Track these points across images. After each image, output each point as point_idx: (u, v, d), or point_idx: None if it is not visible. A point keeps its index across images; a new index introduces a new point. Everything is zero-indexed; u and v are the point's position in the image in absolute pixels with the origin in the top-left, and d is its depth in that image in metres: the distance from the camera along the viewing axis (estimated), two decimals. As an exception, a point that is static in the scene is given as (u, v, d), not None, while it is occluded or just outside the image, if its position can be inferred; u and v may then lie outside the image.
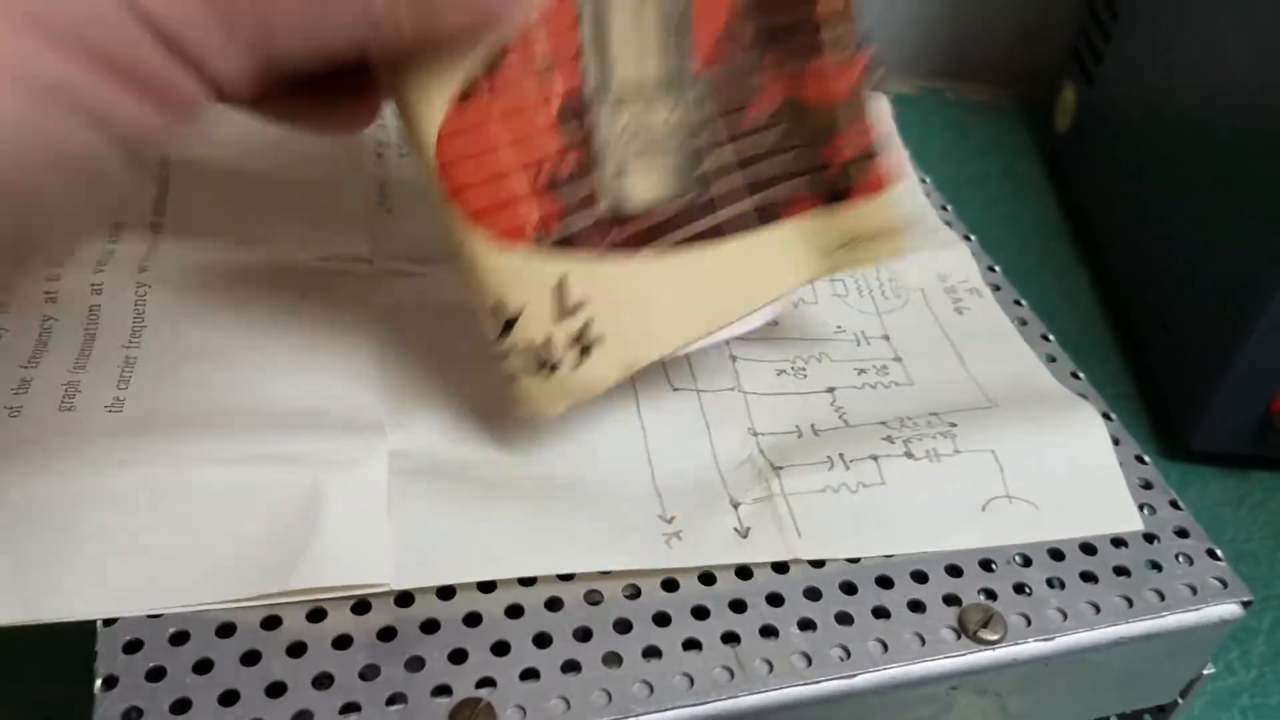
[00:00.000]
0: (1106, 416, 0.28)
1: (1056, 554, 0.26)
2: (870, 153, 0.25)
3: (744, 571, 0.24)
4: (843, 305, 0.31)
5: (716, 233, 0.24)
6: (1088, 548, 0.26)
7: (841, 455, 0.26)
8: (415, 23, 0.19)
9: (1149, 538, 0.26)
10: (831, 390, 0.29)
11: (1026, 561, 0.25)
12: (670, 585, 0.24)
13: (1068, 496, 0.26)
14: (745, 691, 0.22)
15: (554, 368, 0.23)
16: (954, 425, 0.27)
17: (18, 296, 0.27)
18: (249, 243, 0.29)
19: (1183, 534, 0.26)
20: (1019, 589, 0.25)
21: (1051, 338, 0.32)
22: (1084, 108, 0.58)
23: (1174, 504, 0.27)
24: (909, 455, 0.26)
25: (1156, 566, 0.26)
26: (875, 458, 0.26)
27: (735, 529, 0.25)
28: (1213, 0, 0.48)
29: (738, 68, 0.24)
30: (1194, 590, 0.25)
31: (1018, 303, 0.33)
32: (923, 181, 0.37)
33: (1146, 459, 0.28)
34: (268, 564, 0.22)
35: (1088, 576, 0.25)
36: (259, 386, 0.26)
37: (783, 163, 0.25)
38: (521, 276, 0.23)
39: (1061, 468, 0.27)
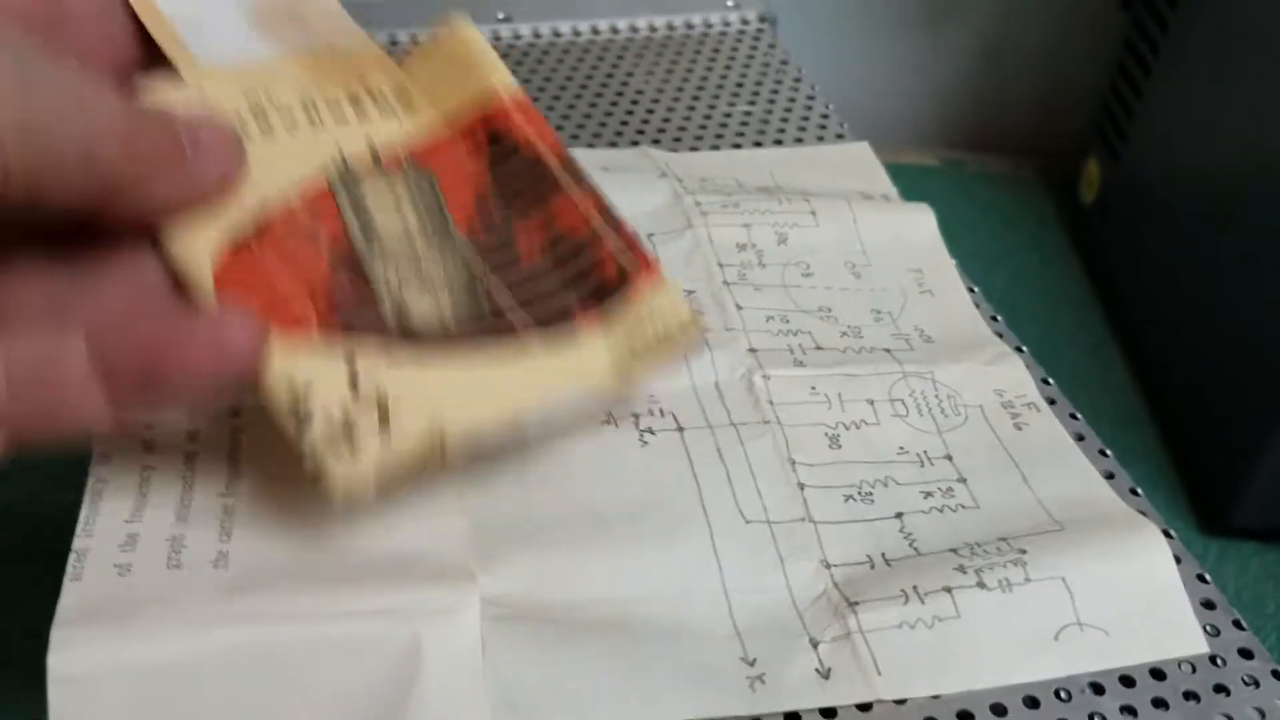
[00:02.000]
0: (1167, 534, 0.29)
1: (1128, 680, 0.26)
2: (631, 243, 0.27)
3: (828, 710, 0.25)
4: (903, 425, 0.32)
5: (507, 331, 0.26)
6: (1157, 673, 0.27)
7: (915, 588, 0.27)
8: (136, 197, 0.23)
9: (1215, 660, 0.27)
10: (900, 516, 0.29)
11: (1099, 689, 0.26)
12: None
13: (1136, 621, 0.27)
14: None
15: (353, 441, 0.23)
16: (1024, 552, 0.28)
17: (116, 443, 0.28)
18: None
19: (1247, 655, 0.27)
20: (1094, 717, 0.26)
21: (1109, 453, 0.32)
22: (1109, 180, 0.59)
23: (1237, 624, 0.28)
24: (981, 585, 0.27)
25: (1224, 690, 0.26)
26: (949, 589, 0.27)
27: (817, 670, 0.26)
28: (1242, 77, 0.49)
29: (497, 235, 0.27)
30: (1262, 714, 0.26)
31: (1074, 416, 0.34)
32: (971, 291, 0.37)
33: (1208, 578, 0.29)
34: None
35: (1159, 703, 0.26)
36: (352, 535, 0.27)
37: (560, 280, 0.27)
38: (309, 355, 0.24)
39: (1129, 592, 0.28)
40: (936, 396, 0.33)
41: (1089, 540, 0.29)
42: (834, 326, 0.35)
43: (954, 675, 0.26)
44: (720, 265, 0.36)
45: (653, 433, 0.30)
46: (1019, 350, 0.35)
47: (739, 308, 0.35)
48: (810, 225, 0.38)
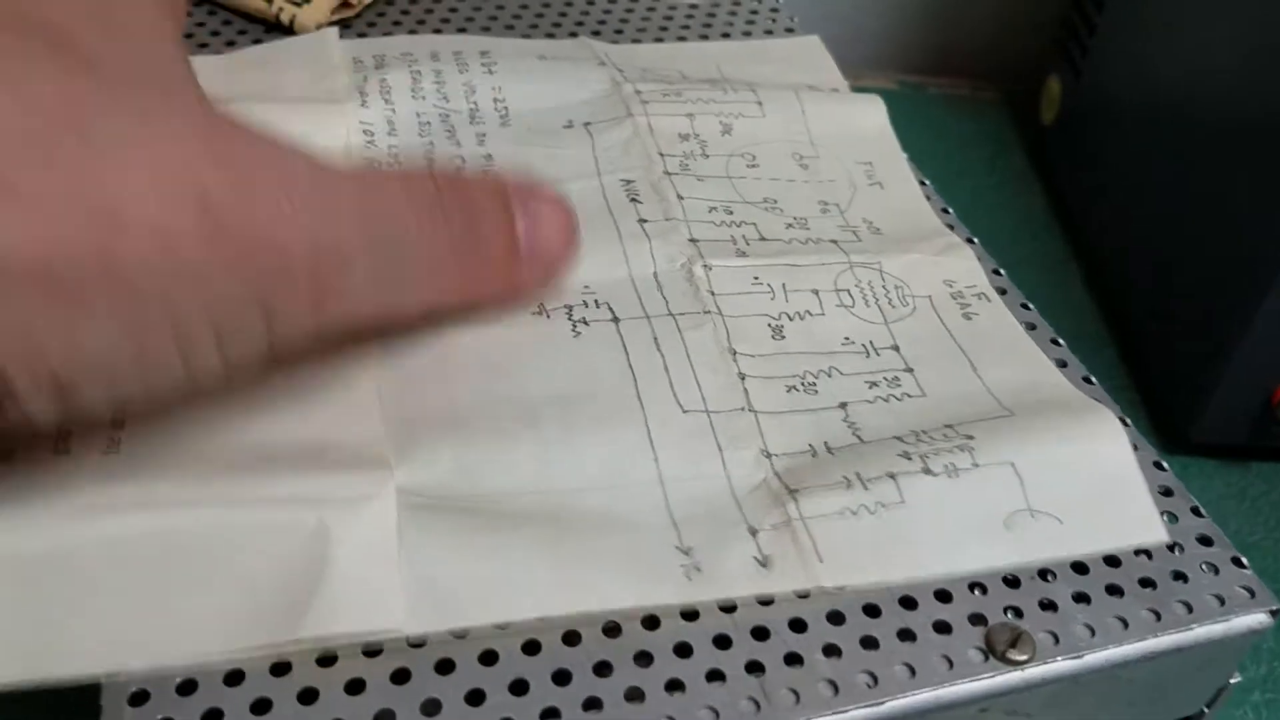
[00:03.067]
0: (1123, 422, 0.28)
1: (1080, 567, 0.25)
2: None
3: (765, 597, 0.24)
4: (849, 315, 0.30)
5: None
6: (1112, 560, 0.25)
7: (859, 474, 0.25)
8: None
9: (1173, 547, 0.26)
10: (844, 405, 0.28)
11: (1050, 576, 0.25)
12: (690, 615, 0.23)
13: (1091, 508, 0.26)
14: (772, 724, 0.22)
15: None
16: (971, 438, 0.26)
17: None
18: None
19: (1206, 542, 0.26)
20: (1045, 605, 0.24)
21: (1062, 342, 0.31)
22: (1070, 100, 0.57)
23: (1196, 510, 0.27)
24: (927, 471, 0.26)
25: (1182, 577, 0.25)
26: (893, 476, 0.25)
27: (755, 558, 0.24)
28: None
29: None
30: (1221, 601, 0.25)
31: (1025, 306, 0.32)
32: (922, 184, 0.36)
33: (1165, 465, 0.28)
34: (276, 611, 0.22)
35: (1114, 590, 0.25)
36: (259, 423, 0.25)
37: None
38: None
39: (1084, 478, 0.26)
40: (884, 286, 0.31)
41: (1040, 425, 0.27)
42: (779, 218, 0.33)
43: (899, 563, 0.24)
44: (661, 155, 0.34)
45: (586, 323, 0.29)
46: (970, 241, 0.34)
47: (680, 198, 0.33)
48: (756, 115, 0.36)
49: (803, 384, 0.28)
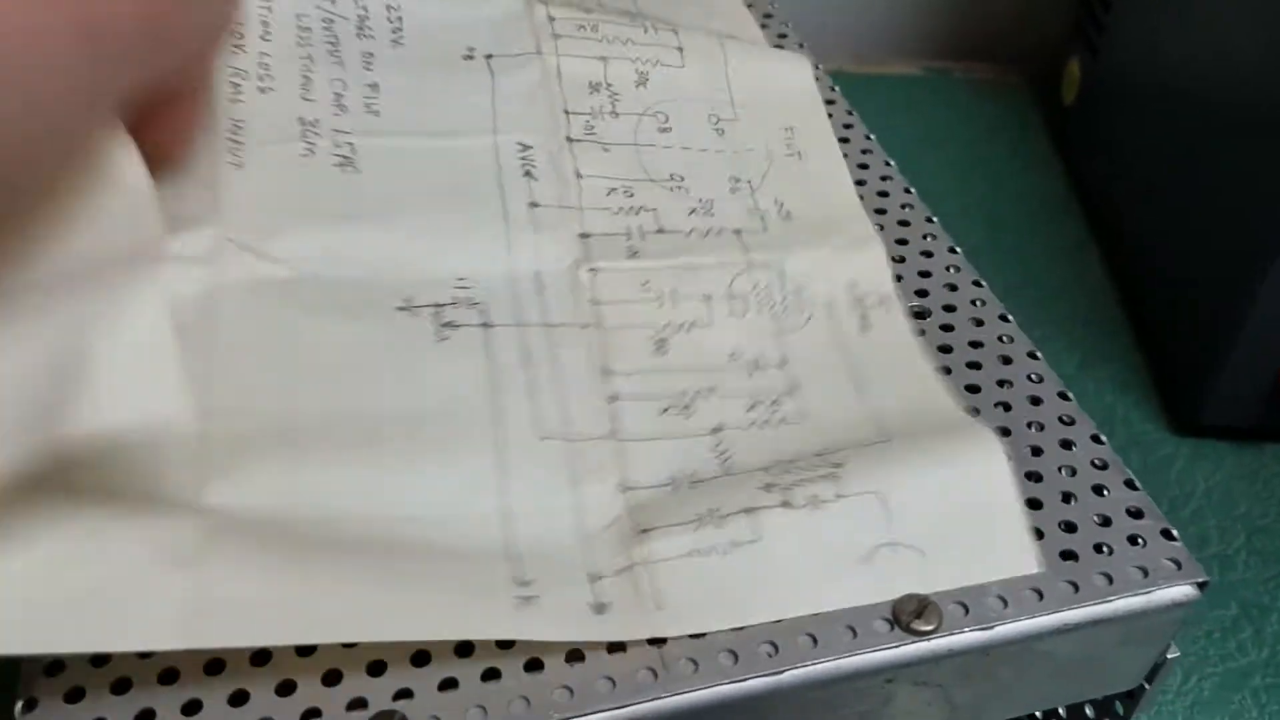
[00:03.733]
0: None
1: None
2: None
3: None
4: (739, 326, 0.29)
5: None
6: (1035, 533, 0.25)
7: (713, 511, 0.24)
8: None
9: (1102, 520, 0.25)
10: (716, 431, 0.26)
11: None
12: (597, 587, 0.24)
13: (959, 539, 0.24)
14: (670, 693, 0.22)
15: None
16: (839, 466, 0.25)
17: None
18: None
19: (1137, 514, 0.26)
20: (959, 577, 0.24)
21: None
22: (1089, 81, 0.56)
23: (1129, 484, 0.26)
24: (786, 505, 0.24)
25: (1106, 549, 0.25)
26: (750, 510, 0.24)
27: (590, 604, 0.23)
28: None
29: None
30: (1145, 573, 0.24)
31: (977, 284, 0.32)
32: (887, 164, 0.36)
33: (1103, 439, 0.27)
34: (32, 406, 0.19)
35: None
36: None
37: None
38: None
39: (954, 507, 0.25)
40: (781, 291, 0.29)
41: (914, 451, 0.26)
42: (683, 200, 0.32)
43: (747, 606, 0.23)
44: (567, 113, 0.33)
45: (454, 326, 0.27)
46: (929, 220, 0.34)
47: (579, 176, 0.31)
48: (675, 65, 0.35)
49: (678, 406, 0.27)
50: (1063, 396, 0.28)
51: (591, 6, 0.36)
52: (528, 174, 0.31)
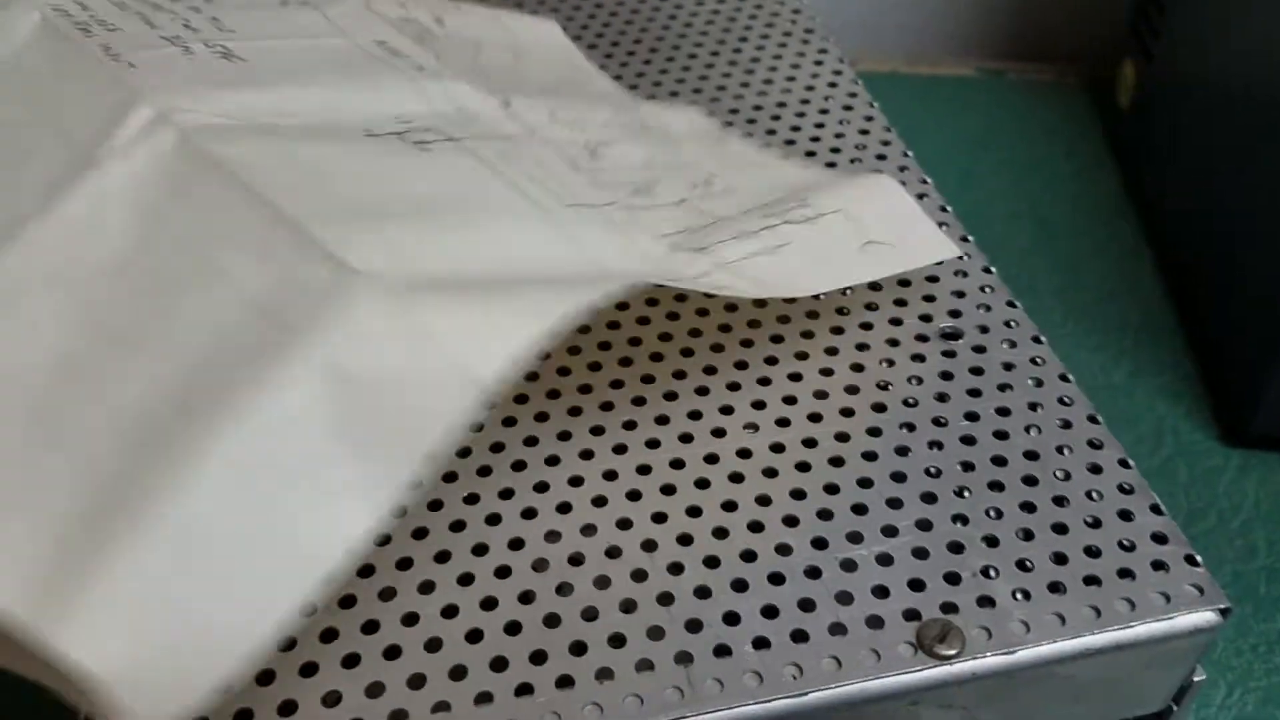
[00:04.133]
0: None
1: (1024, 564, 0.25)
2: None
3: (703, 591, 0.25)
4: (641, 145, 0.33)
5: None
6: (1059, 557, 0.26)
7: (742, 232, 0.29)
8: None
9: (1125, 545, 0.26)
10: (681, 202, 0.30)
11: (993, 572, 0.25)
12: (628, 607, 0.25)
13: (905, 236, 0.31)
14: (696, 712, 0.23)
15: None
16: (803, 201, 0.31)
17: None
18: None
19: (1161, 539, 0.26)
20: (983, 602, 0.25)
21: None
22: (1144, 84, 0.56)
23: (1155, 508, 0.27)
24: (789, 222, 0.30)
25: (1129, 574, 0.25)
26: (770, 229, 0.29)
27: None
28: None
29: None
30: (1168, 599, 0.25)
31: (1011, 304, 0.32)
32: (923, 181, 0.36)
33: (1131, 463, 0.28)
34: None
35: (1055, 588, 0.25)
36: None
37: None
38: None
39: (890, 215, 0.32)
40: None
41: (840, 187, 0.32)
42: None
43: (808, 281, 0.29)
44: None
45: (425, 145, 0.28)
46: (965, 240, 0.34)
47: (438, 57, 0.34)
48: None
49: (642, 189, 0.30)
50: (1092, 420, 0.28)
51: None
52: (397, 55, 0.32)
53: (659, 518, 0.26)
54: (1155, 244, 0.54)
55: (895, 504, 0.27)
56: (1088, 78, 0.64)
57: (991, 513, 0.26)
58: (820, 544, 0.26)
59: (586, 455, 0.28)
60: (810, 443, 0.28)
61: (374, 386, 0.20)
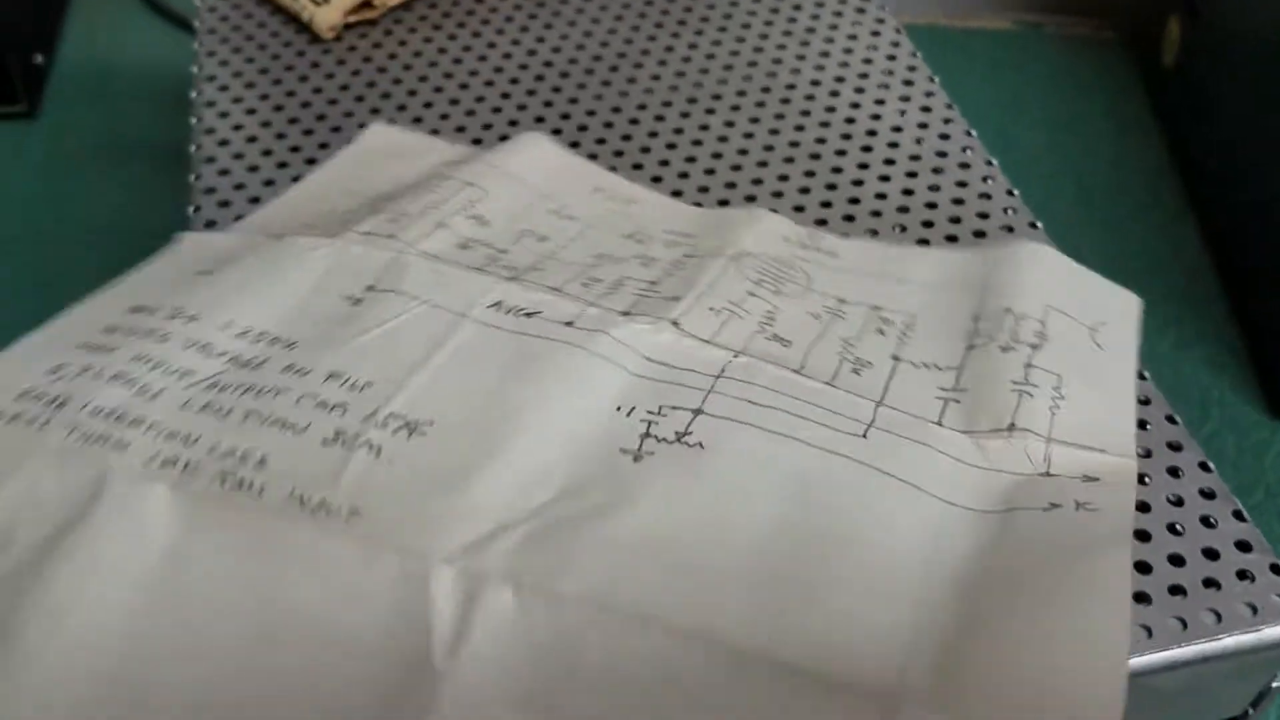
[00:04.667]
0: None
1: (1109, 574, 0.25)
2: None
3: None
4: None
5: None
6: (1142, 566, 0.25)
7: (1016, 385, 0.28)
8: None
9: (1209, 553, 0.26)
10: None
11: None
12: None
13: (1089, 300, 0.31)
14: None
15: None
16: (1008, 307, 0.30)
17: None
18: None
19: (1245, 548, 0.26)
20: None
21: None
22: (1189, 42, 0.55)
23: (1238, 515, 0.26)
24: (1032, 346, 0.29)
25: (1215, 585, 0.25)
26: (1031, 368, 0.29)
27: None
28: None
29: None
30: (1254, 610, 0.25)
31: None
32: (989, 164, 0.35)
33: (1211, 466, 0.27)
34: None
35: (1141, 598, 0.25)
36: None
37: None
38: None
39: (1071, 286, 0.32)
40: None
41: (1021, 275, 0.31)
42: None
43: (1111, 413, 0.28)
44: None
45: (688, 442, 0.26)
46: (1033, 226, 0.33)
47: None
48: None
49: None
50: (1170, 420, 0.28)
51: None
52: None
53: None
54: (1198, 208, 0.53)
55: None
56: (1128, 33, 0.62)
57: (1072, 519, 0.26)
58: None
59: None
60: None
61: None
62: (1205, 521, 0.26)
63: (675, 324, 0.29)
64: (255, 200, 0.35)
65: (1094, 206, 0.54)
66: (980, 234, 0.34)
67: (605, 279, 0.31)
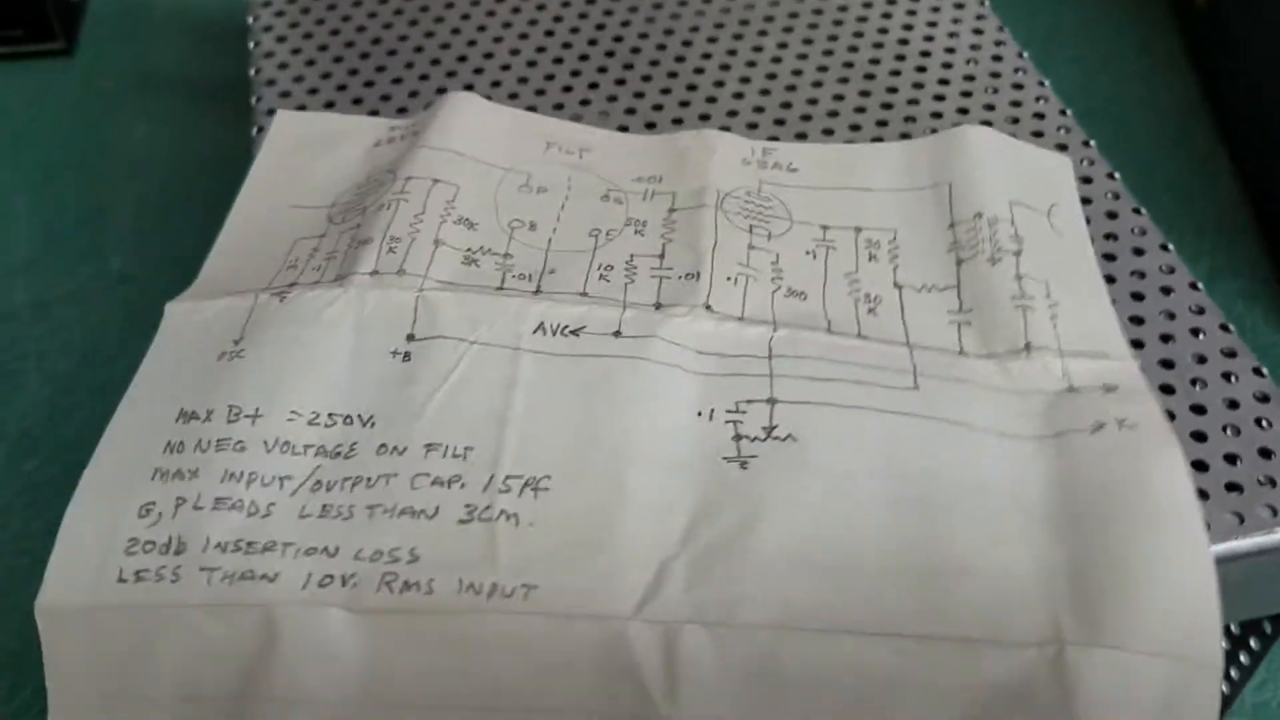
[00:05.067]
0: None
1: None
2: None
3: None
4: None
5: None
6: (1200, 465, 0.26)
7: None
8: None
9: (1264, 453, 0.26)
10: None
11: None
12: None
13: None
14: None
15: None
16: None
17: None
18: None
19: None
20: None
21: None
22: (1223, -20, 0.55)
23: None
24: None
25: (1272, 482, 0.26)
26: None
27: None
28: None
29: None
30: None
31: (1137, 211, 0.32)
32: (1041, 84, 0.36)
33: (1264, 371, 0.28)
34: None
35: (1200, 494, 0.26)
36: None
37: None
38: None
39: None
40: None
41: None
42: None
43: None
44: None
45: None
46: (1086, 145, 0.34)
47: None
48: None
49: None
50: (1224, 329, 0.29)
51: None
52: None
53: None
54: (1232, 147, 0.54)
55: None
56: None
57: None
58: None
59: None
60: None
61: None
62: (1259, 423, 0.27)
63: (708, 307, 0.30)
64: (313, 91, 0.37)
65: (1127, 144, 0.55)
66: (1016, 120, 0.35)
67: (616, 264, 0.31)
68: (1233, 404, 0.27)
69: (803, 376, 0.28)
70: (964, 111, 0.36)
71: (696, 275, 0.30)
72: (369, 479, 0.26)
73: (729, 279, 0.30)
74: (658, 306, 0.30)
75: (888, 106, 0.36)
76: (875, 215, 0.33)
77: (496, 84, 0.38)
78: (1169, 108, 0.56)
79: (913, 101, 0.36)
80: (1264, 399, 0.28)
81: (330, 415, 0.27)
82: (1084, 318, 0.29)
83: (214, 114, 0.57)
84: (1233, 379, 0.28)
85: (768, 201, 0.33)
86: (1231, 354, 0.28)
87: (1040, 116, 0.35)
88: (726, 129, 0.35)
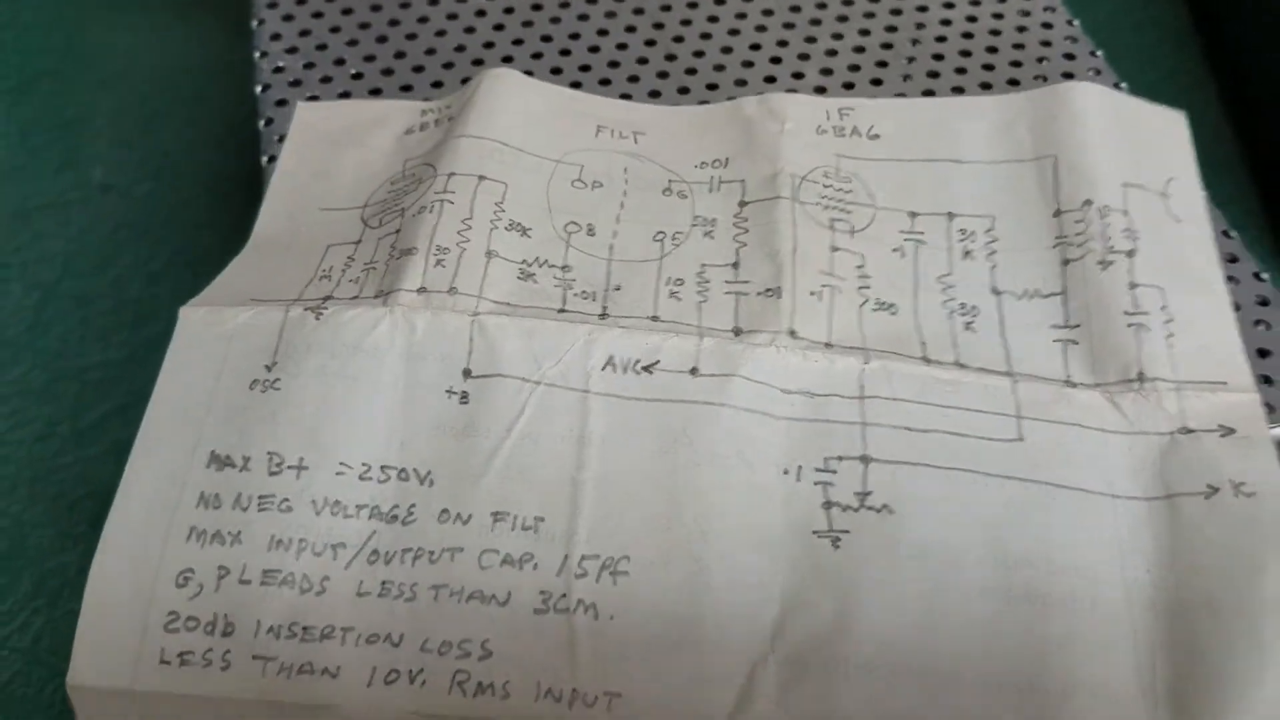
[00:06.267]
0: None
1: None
2: None
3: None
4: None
5: None
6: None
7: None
8: None
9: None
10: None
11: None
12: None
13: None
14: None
15: None
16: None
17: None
18: None
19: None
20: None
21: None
22: (1218, -94, 0.55)
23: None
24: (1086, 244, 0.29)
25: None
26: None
27: None
28: None
29: None
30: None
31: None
32: (1070, 23, 0.36)
33: (1265, 275, 0.30)
34: None
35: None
36: None
37: None
38: None
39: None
40: None
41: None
42: None
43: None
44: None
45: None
46: (1093, 54, 0.34)
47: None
48: None
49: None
50: (1257, 277, 0.30)
51: None
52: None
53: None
54: (1220, 77, 0.54)
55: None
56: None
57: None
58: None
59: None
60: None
61: None
62: (1259, 324, 0.29)
63: (791, 333, 0.27)
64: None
65: (1119, 71, 0.55)
66: (1042, 60, 0.36)
67: (686, 276, 0.29)
68: (1263, 353, 0.28)
69: (898, 426, 0.26)
70: (972, 20, 0.37)
71: (777, 291, 0.28)
72: (432, 553, 0.24)
73: (812, 293, 0.28)
74: (736, 333, 0.27)
75: (891, 30, 0.36)
76: (969, 197, 0.30)
77: (529, 72, 0.34)
78: (1158, 35, 0.56)
79: (919, 25, 0.37)
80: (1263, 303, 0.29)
81: (384, 469, 0.25)
82: (1202, 333, 0.27)
83: (194, 22, 0.55)
84: (1271, 326, 0.29)
85: (847, 184, 0.30)
86: (1264, 303, 0.29)
87: (1048, 26, 0.37)
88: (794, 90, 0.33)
